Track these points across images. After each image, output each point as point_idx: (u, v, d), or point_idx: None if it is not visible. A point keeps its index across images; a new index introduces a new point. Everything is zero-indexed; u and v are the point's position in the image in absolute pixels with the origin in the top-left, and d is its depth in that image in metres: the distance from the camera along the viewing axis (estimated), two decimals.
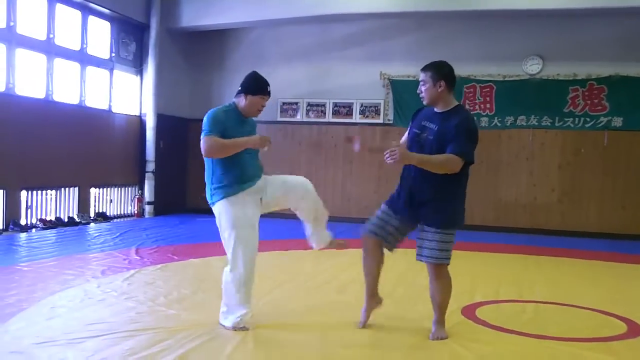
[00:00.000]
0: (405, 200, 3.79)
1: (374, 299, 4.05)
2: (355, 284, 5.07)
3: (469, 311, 4.55)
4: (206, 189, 3.96)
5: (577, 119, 10.02)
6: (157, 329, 3.80)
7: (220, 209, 3.87)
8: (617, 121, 9.88)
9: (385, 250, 3.97)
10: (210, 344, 3.57)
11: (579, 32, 9.98)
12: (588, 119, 9.97)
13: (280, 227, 7.84)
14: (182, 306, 4.39)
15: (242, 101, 3.93)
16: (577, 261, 7.49)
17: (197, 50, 11.77)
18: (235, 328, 3.81)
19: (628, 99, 9.80)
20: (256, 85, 3.93)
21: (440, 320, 3.86)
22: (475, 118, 3.84)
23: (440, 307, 3.85)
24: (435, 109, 3.78)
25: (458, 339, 3.82)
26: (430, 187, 3.67)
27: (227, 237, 3.85)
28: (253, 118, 4.09)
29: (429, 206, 3.69)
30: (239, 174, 3.85)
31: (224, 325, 3.87)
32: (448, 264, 3.77)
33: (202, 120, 3.88)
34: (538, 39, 10.18)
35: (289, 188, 4.06)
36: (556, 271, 6.72)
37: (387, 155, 3.43)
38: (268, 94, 3.97)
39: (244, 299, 3.87)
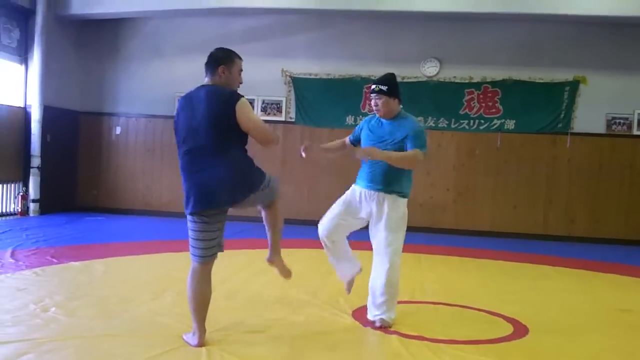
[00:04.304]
0: None
1: None
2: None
3: (359, 314, 4.45)
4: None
5: (472, 121, 10.28)
6: (20, 342, 3.45)
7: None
8: (510, 124, 10.21)
9: None
10: (76, 356, 3.27)
11: (475, 36, 10.24)
12: (482, 121, 10.25)
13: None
14: (52, 315, 4.03)
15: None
16: (469, 260, 7.63)
17: (89, 40, 11.11)
18: None
19: (520, 102, 10.14)
20: None
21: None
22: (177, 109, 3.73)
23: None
24: None
25: (343, 342, 3.72)
26: None
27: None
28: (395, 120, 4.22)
29: None
30: None
31: None
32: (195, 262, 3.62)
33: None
34: (435, 42, 10.35)
35: None
36: (448, 270, 6.79)
37: None
38: (372, 91, 4.23)
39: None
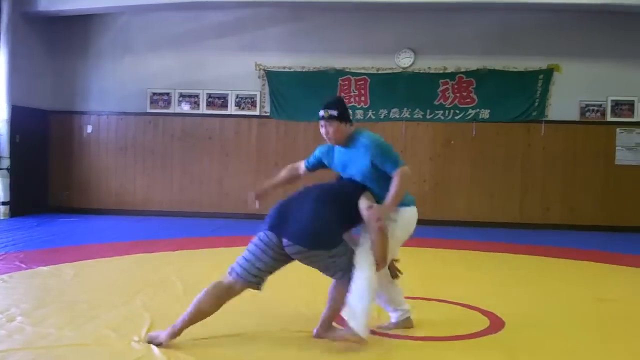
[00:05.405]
0: None
1: None
2: None
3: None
4: None
5: (447, 112, 10.25)
6: None
7: None
8: (485, 113, 10.20)
9: None
10: None
11: (449, 26, 10.20)
12: (457, 112, 10.23)
13: None
14: (17, 325, 3.88)
15: None
16: (447, 251, 7.62)
17: (58, 37, 10.87)
18: None
19: (494, 91, 10.15)
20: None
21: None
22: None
23: None
24: None
25: (316, 344, 3.64)
26: None
27: None
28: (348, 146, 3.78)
29: None
30: None
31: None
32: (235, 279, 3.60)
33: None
34: (410, 33, 10.29)
35: None
36: (426, 263, 6.72)
37: None
38: (321, 117, 3.75)
39: None
